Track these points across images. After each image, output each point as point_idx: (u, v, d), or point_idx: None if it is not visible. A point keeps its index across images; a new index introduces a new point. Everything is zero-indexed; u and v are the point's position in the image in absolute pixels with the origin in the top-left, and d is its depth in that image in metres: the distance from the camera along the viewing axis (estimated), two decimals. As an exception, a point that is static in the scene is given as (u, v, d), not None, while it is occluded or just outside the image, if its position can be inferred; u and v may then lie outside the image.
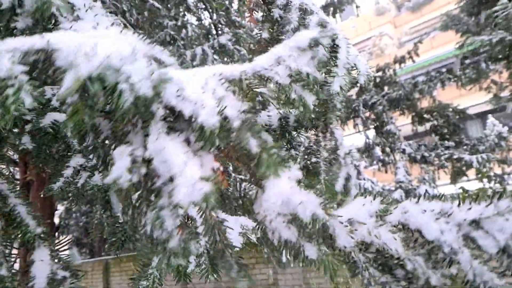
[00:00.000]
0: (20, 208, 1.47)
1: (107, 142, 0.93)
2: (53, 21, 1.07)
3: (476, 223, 0.77)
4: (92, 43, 0.73)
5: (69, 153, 1.75)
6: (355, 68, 1.38)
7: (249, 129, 0.80)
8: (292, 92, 0.94)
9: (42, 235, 1.46)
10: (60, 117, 1.67)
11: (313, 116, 1.56)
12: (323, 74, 1.37)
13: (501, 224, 0.74)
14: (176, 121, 0.83)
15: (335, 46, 1.38)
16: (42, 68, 0.77)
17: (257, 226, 0.91)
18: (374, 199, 0.90)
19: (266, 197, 0.84)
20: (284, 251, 0.84)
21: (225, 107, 0.79)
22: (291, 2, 1.59)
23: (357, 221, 0.86)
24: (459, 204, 0.81)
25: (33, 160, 1.69)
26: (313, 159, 1.73)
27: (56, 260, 1.43)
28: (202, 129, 0.77)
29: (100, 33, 0.83)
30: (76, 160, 1.73)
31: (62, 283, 1.36)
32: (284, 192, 0.82)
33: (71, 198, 1.83)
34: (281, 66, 0.91)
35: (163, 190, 0.75)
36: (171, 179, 0.74)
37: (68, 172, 1.72)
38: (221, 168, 0.87)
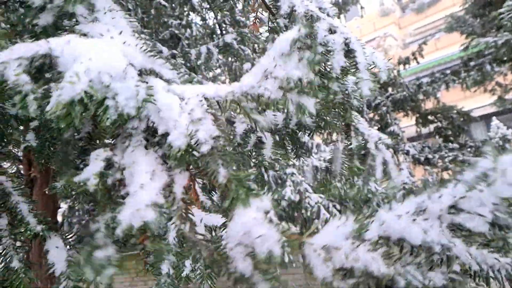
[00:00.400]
0: (22, 206, 1.50)
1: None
2: (73, 20, 1.09)
3: (455, 208, 0.71)
4: (88, 57, 0.77)
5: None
6: (374, 65, 1.37)
7: (220, 157, 0.79)
8: (289, 104, 0.92)
9: (46, 229, 1.49)
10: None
11: (329, 119, 1.56)
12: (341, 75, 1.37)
13: (479, 198, 0.68)
14: (155, 136, 0.85)
15: (350, 50, 1.37)
16: (47, 70, 0.82)
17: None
18: (346, 219, 0.83)
19: (231, 225, 0.79)
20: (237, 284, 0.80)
21: (196, 130, 0.79)
22: (295, 10, 1.57)
23: (332, 246, 0.79)
24: (429, 197, 0.74)
25: (36, 156, 1.71)
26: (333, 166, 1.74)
27: (70, 247, 1.48)
28: (170, 148, 0.79)
29: (103, 43, 0.87)
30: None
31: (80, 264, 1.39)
32: (247, 223, 0.78)
33: (74, 197, 1.84)
34: (269, 79, 0.89)
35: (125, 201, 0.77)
36: (127, 195, 0.77)
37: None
38: (195, 187, 0.87)
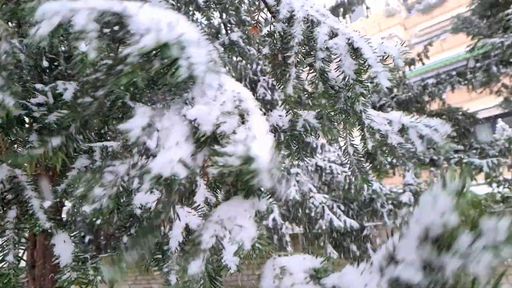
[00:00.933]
0: (34, 201, 1.52)
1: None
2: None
3: (393, 259, 0.65)
4: (169, 20, 0.84)
5: (75, 153, 1.76)
6: (386, 55, 1.36)
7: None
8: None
9: (55, 226, 1.53)
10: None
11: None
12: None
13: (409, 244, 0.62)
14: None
15: (356, 49, 1.36)
16: (113, 29, 0.87)
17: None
18: (316, 257, 0.83)
19: (223, 206, 0.87)
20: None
21: (223, 122, 0.83)
22: (294, 15, 1.54)
23: (288, 271, 0.81)
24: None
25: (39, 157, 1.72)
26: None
27: (75, 243, 1.52)
28: (196, 128, 0.84)
29: (174, 15, 0.92)
30: (82, 161, 1.74)
31: (85, 263, 1.45)
32: (236, 211, 0.84)
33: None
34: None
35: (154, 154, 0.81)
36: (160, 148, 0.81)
37: (73, 173, 1.73)
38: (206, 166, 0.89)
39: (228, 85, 0.94)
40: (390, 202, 7.29)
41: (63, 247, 1.46)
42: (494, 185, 6.90)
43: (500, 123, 9.42)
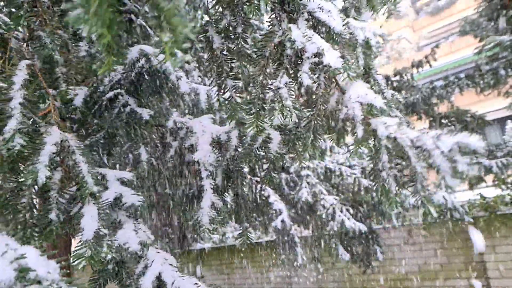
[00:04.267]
0: (83, 166, 1.58)
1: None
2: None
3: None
4: None
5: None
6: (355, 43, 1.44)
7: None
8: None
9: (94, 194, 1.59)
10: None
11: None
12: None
13: None
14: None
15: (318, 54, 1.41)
16: None
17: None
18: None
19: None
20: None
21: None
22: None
23: None
24: None
25: None
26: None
27: (101, 218, 1.56)
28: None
29: None
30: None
31: (103, 238, 1.48)
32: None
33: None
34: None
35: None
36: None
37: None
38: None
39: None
40: (398, 204, 7.28)
41: (89, 221, 1.51)
42: (503, 187, 6.88)
43: (510, 124, 9.39)
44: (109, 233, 1.59)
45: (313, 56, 1.41)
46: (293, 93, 1.43)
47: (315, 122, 1.46)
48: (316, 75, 1.42)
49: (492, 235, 6.41)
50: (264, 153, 1.90)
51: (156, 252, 1.78)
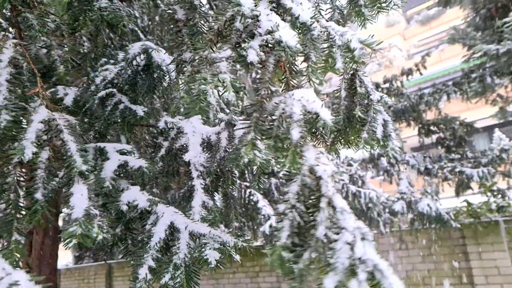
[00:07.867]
0: (71, 144, 1.56)
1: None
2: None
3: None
4: None
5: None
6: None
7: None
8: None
9: (89, 171, 1.57)
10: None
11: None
12: None
13: None
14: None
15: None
16: None
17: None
18: None
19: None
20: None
21: None
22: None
23: None
24: None
25: None
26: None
27: (91, 197, 1.54)
28: None
29: None
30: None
31: (93, 219, 1.45)
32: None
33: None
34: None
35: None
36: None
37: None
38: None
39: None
40: (386, 210, 7.34)
41: (79, 199, 1.49)
42: (489, 194, 6.97)
43: (497, 132, 9.53)
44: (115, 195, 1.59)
45: (267, 33, 1.27)
46: (236, 70, 1.32)
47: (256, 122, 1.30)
48: (265, 54, 1.28)
49: (478, 241, 6.48)
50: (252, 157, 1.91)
51: (166, 207, 1.79)
